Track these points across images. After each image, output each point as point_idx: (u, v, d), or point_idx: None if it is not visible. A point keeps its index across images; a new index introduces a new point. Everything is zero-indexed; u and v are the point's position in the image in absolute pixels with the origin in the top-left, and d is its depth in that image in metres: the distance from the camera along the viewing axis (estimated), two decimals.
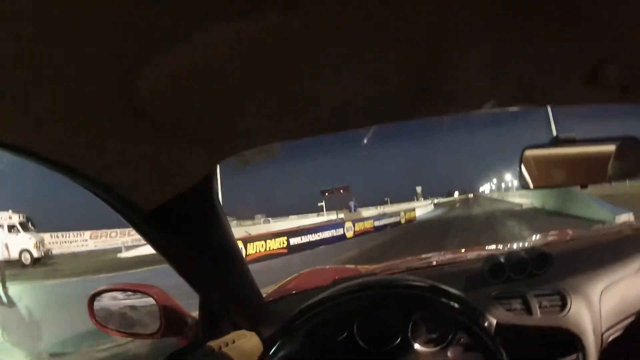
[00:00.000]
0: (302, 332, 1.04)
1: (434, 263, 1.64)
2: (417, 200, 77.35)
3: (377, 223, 22.78)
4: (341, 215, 30.09)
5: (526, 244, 1.77)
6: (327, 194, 34.28)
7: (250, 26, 0.39)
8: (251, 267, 1.07)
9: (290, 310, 1.12)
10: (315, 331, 1.07)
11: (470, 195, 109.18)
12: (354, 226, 20.03)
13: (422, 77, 0.58)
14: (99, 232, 24.33)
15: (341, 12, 0.41)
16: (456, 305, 1.05)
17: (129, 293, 1.14)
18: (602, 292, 1.23)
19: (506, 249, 1.69)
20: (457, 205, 51.13)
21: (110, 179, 0.61)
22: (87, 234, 24.07)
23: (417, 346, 1.10)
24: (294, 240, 15.87)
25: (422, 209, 43.92)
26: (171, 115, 0.56)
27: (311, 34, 0.43)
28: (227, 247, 0.94)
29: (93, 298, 1.12)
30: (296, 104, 0.61)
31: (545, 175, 1.03)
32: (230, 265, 0.98)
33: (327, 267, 2.26)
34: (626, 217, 9.62)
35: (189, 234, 0.82)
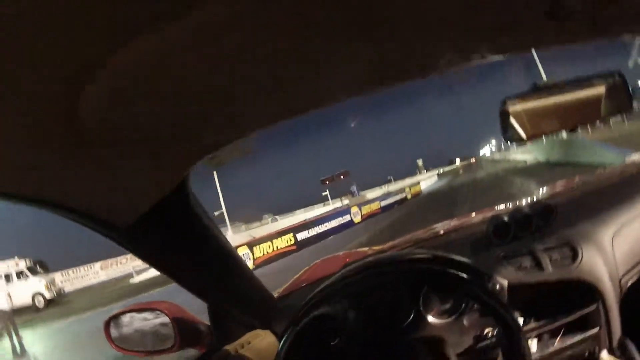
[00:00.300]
0: (311, 320, 1.02)
1: (442, 232, 1.62)
2: (420, 173, 77.41)
3: (383, 203, 22.95)
4: (346, 202, 30.12)
5: (531, 199, 1.72)
6: (327, 182, 33.90)
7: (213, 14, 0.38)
8: (259, 271, 1.08)
9: (301, 302, 1.10)
10: (324, 317, 1.04)
11: (472, 160, 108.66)
12: (360, 210, 20.13)
13: (378, 47, 0.56)
14: (108, 262, 24.30)
15: None
16: (463, 274, 1.01)
17: (142, 312, 1.18)
18: (613, 236, 1.20)
19: (511, 207, 1.63)
20: (461, 172, 50.66)
21: (78, 204, 0.60)
22: (97, 265, 24.07)
23: (431, 319, 1.07)
24: (302, 235, 15.87)
25: (427, 181, 44.24)
26: (130, 127, 0.54)
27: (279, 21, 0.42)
28: (220, 249, 0.93)
29: (109, 323, 1.15)
30: (266, 88, 0.58)
31: (536, 124, 0.97)
32: (227, 267, 0.98)
33: (340, 253, 2.20)
34: (636, 158, 9.42)
35: (175, 242, 0.81)
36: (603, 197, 1.45)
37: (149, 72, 0.44)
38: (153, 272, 16.62)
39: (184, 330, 1.11)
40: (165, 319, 1.12)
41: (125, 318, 1.18)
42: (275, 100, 0.63)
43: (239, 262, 1.01)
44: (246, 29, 0.42)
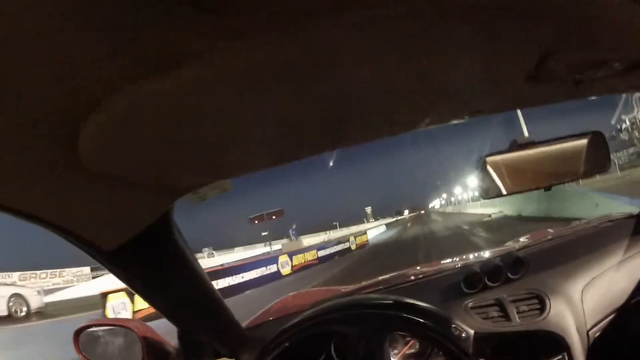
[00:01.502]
0: (280, 355, 1.13)
1: (412, 277, 1.66)
2: (368, 221, 77.36)
3: (321, 253, 19.99)
4: (277, 247, 26.92)
5: (504, 249, 1.78)
6: (256, 221, 30.37)
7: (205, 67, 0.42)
8: None
9: (270, 335, 1.19)
10: (292, 353, 1.14)
11: (422, 212, 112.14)
12: (291, 260, 17.12)
13: (358, 104, 0.63)
14: (27, 274, 24.21)
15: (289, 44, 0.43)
16: (427, 322, 1.10)
17: (112, 327, 1.27)
18: (583, 289, 1.30)
19: (483, 256, 1.74)
20: (409, 225, 50.37)
21: (68, 224, 0.68)
22: (16, 275, 23.54)
23: None
24: None
25: (374, 230, 43.32)
26: (123, 162, 0.61)
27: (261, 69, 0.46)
28: (195, 278, 1.01)
29: (78, 333, 1.23)
30: (245, 137, 0.65)
31: (515, 180, 1.09)
32: (201, 295, 1.07)
33: (308, 289, 2.55)
34: None
35: (155, 269, 0.90)
36: (575, 249, 1.50)
37: (142, 116, 0.50)
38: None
39: (152, 350, 1.19)
40: (134, 337, 1.20)
41: (95, 330, 1.26)
42: (255, 151, 0.72)
43: (211, 291, 1.10)
44: (233, 88, 0.49)
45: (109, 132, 0.50)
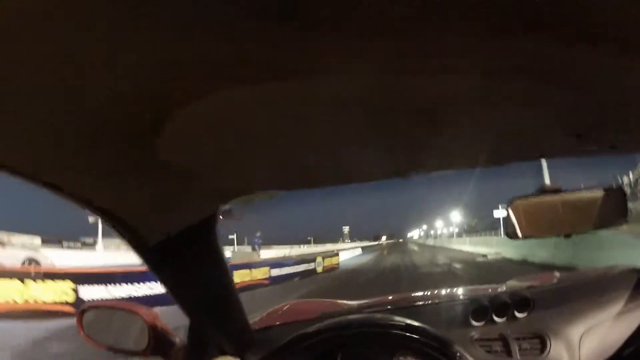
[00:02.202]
0: None
1: (420, 302, 1.73)
2: (344, 241, 74.16)
3: (275, 272, 15.92)
4: (227, 255, 22.89)
5: (512, 286, 1.84)
6: None
7: (265, 90, 0.47)
8: None
9: (277, 339, 1.21)
10: None
11: (400, 240, 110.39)
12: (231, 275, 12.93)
13: (419, 138, 0.68)
14: None
15: (347, 78, 0.47)
16: (439, 347, 1.11)
17: (119, 310, 1.27)
18: (582, 335, 1.32)
19: (490, 290, 1.78)
20: (385, 252, 47.74)
21: (119, 213, 0.73)
22: None
23: None
24: (88, 292, 9.33)
25: (348, 252, 40.50)
26: (184, 162, 0.66)
27: (312, 98, 0.51)
28: (222, 279, 1.08)
29: (83, 313, 1.22)
30: (298, 157, 0.72)
31: (533, 225, 1.13)
32: (223, 295, 1.12)
33: (315, 300, 2.64)
34: None
35: (189, 265, 0.96)
36: (579, 295, 1.55)
37: (216, 123, 0.55)
38: None
39: (158, 338, 1.18)
40: (141, 323, 1.19)
41: (101, 311, 1.29)
42: (285, 170, 0.79)
43: (232, 292, 1.15)
44: (308, 108, 0.53)
45: (184, 136, 0.54)
